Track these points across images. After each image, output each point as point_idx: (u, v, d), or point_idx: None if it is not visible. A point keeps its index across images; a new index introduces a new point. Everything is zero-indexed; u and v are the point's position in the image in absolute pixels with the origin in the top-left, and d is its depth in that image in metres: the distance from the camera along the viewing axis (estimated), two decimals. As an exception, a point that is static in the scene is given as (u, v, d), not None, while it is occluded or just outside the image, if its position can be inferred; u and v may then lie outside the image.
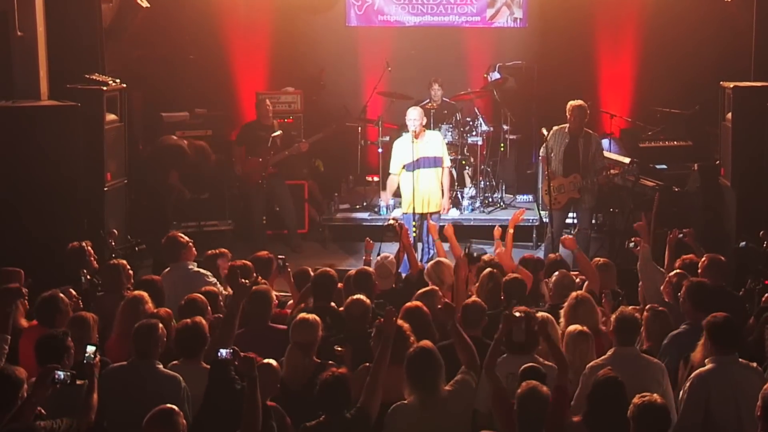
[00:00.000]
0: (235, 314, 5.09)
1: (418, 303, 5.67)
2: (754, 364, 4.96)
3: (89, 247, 6.79)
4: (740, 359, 4.94)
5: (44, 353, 4.84)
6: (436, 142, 8.95)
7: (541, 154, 9.18)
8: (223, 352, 4.59)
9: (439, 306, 5.38)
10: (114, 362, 5.15)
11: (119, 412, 4.86)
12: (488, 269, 6.49)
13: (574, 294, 5.70)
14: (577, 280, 6.66)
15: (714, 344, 4.92)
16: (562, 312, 5.61)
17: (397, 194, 9.38)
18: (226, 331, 5.05)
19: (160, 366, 4.99)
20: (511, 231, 7.77)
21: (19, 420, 4.32)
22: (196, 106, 10.81)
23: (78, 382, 4.53)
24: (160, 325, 5.09)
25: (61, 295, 5.71)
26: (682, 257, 6.66)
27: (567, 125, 8.89)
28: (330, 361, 5.14)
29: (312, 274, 6.56)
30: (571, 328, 5.30)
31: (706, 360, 4.91)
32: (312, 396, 4.69)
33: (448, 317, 5.09)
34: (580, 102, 8.86)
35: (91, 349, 4.63)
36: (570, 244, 7.24)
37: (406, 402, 4.72)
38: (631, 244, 6.92)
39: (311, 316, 5.28)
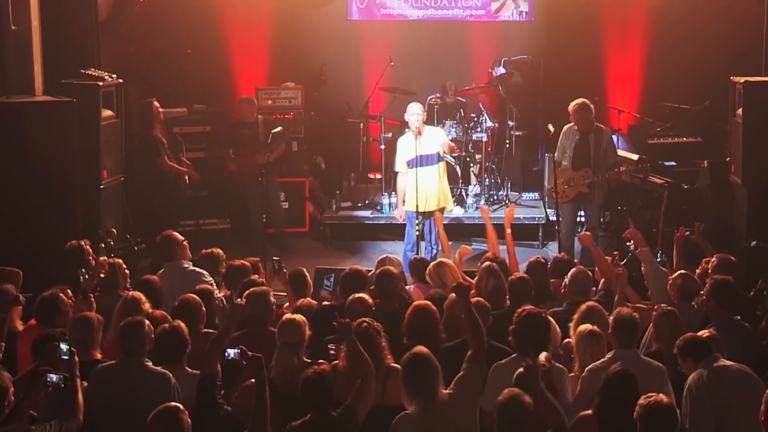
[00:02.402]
0: (227, 332, 4.93)
1: (427, 303, 5.59)
2: (733, 363, 4.91)
3: (87, 246, 6.72)
4: (722, 359, 4.92)
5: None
6: (434, 138, 8.82)
7: (556, 157, 8.93)
8: (231, 352, 4.50)
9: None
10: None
11: (109, 412, 4.80)
12: (487, 263, 6.35)
13: (584, 306, 5.57)
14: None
15: (693, 358, 4.91)
16: (573, 318, 5.50)
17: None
18: (214, 348, 4.81)
19: (149, 363, 4.92)
20: (508, 231, 7.64)
21: (12, 423, 4.23)
22: (194, 101, 10.70)
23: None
24: (147, 322, 5.04)
25: (62, 295, 5.67)
26: (705, 260, 6.58)
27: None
28: (321, 360, 5.06)
29: (307, 275, 6.53)
30: (582, 327, 5.23)
31: (698, 368, 4.89)
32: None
33: (463, 297, 4.95)
34: (580, 101, 8.66)
35: (64, 347, 4.51)
36: (587, 240, 7.08)
37: (408, 412, 4.62)
38: (632, 246, 6.79)
39: (297, 316, 5.21)
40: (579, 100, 8.65)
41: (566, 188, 8.67)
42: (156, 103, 9.37)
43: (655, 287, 6.36)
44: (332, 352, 5.17)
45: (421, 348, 4.72)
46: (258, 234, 9.54)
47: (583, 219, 9.21)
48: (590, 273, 6.43)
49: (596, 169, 8.66)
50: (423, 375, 4.58)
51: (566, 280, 6.28)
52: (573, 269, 6.31)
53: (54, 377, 4.35)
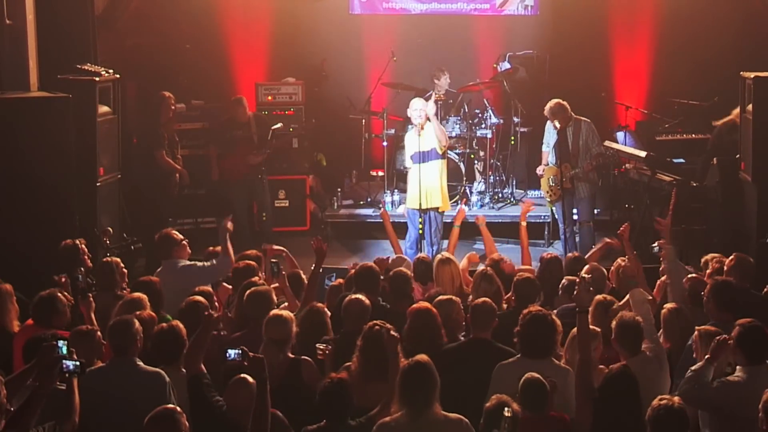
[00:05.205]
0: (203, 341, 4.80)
1: (427, 305, 5.52)
2: None
3: (83, 245, 6.64)
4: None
5: (32, 356, 4.64)
6: (434, 133, 8.72)
7: (543, 149, 9.12)
8: (232, 353, 4.42)
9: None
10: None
11: (103, 413, 4.77)
12: (482, 268, 6.30)
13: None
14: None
15: (744, 353, 4.78)
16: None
17: (403, 189, 9.17)
18: (193, 348, 4.75)
19: (141, 363, 4.90)
20: (523, 224, 7.54)
21: (27, 414, 4.16)
22: (192, 97, 10.64)
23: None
24: (136, 321, 5.02)
25: (60, 295, 5.62)
26: (717, 258, 6.47)
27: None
28: (304, 356, 5.08)
29: (304, 278, 6.49)
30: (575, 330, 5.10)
31: (738, 367, 4.79)
32: (289, 393, 4.73)
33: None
34: (553, 103, 8.76)
35: (63, 347, 4.37)
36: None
37: (396, 417, 4.44)
38: (656, 249, 6.65)
39: (285, 312, 5.26)
40: (552, 102, 8.78)
41: (553, 186, 8.77)
42: (171, 100, 9.25)
43: (674, 289, 6.13)
44: (319, 352, 5.16)
45: (423, 356, 4.61)
46: (245, 234, 9.36)
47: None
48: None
49: (575, 163, 8.70)
50: (421, 384, 4.45)
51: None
52: (588, 267, 6.21)
53: (71, 364, 4.27)
